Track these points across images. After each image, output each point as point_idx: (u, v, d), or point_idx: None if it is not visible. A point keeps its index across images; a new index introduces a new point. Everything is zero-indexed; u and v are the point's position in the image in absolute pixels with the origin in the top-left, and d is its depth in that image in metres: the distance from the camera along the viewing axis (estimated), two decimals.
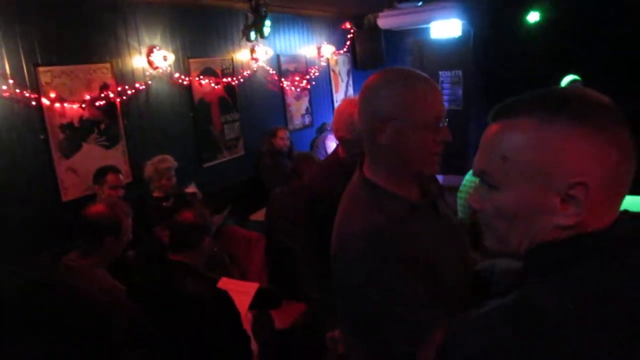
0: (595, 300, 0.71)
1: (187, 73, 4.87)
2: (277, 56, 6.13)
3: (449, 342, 0.82)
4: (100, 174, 3.70)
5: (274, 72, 6.04)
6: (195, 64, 4.97)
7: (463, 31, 7.23)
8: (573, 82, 6.26)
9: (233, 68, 5.43)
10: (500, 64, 7.28)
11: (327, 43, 7.14)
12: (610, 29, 6.67)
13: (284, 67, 6.24)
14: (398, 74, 1.39)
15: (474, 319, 0.79)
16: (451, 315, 1.24)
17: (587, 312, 0.69)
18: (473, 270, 1.50)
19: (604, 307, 0.70)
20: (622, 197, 0.81)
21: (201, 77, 5.01)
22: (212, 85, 5.14)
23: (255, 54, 5.68)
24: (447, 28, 7.26)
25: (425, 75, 1.40)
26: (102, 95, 4.11)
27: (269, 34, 5.17)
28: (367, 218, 1.33)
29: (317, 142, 6.69)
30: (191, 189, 4.51)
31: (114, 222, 2.52)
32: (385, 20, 7.34)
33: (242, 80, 5.52)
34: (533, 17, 7.14)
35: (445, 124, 1.39)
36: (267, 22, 4.66)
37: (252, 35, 4.66)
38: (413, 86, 1.35)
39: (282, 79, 6.19)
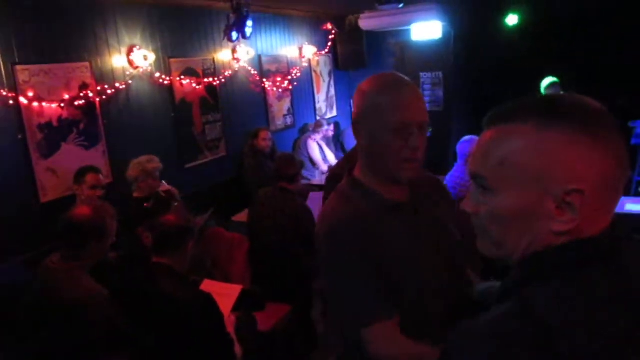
0: (597, 308, 0.72)
1: (168, 73, 4.82)
2: (259, 56, 6.11)
3: (452, 352, 0.82)
4: (80, 174, 3.64)
5: (256, 72, 6.02)
6: (176, 63, 4.93)
7: (444, 33, 7.29)
8: (552, 84, 6.36)
9: (214, 68, 5.40)
10: (480, 66, 7.37)
11: (309, 44, 7.14)
12: (588, 30, 6.80)
13: (265, 67, 6.23)
14: (380, 79, 1.46)
15: (479, 326, 0.79)
16: (414, 315, 1.39)
17: (589, 320, 0.71)
18: (463, 281, 1.53)
19: (605, 314, 0.71)
20: (616, 203, 0.82)
21: (182, 77, 4.97)
22: (194, 85, 5.10)
23: (237, 54, 5.66)
24: (427, 30, 7.31)
25: (409, 81, 1.45)
26: (82, 94, 4.05)
27: (251, 34, 5.14)
28: (339, 209, 1.47)
29: (299, 143, 6.69)
30: (164, 187, 4.46)
31: (100, 225, 2.48)
32: (367, 22, 7.37)
33: (223, 80, 5.49)
34: (512, 19, 7.24)
35: (427, 133, 1.43)
36: (249, 23, 4.65)
37: (234, 35, 4.64)
38: (387, 90, 1.40)
39: (264, 80, 6.17)
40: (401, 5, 6.38)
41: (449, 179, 4.33)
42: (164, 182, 4.54)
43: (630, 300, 0.74)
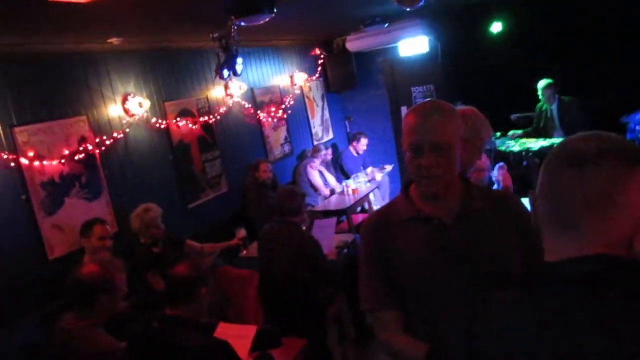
0: None
1: (164, 117, 4.89)
2: (252, 90, 6.19)
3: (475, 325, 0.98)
4: (87, 228, 3.68)
5: (250, 105, 6.09)
6: (171, 107, 4.99)
7: (431, 47, 7.37)
8: (548, 85, 6.43)
9: (209, 107, 5.47)
10: (469, 76, 7.43)
11: (299, 71, 7.23)
12: (573, 31, 6.86)
13: (259, 99, 6.30)
14: (413, 106, 1.67)
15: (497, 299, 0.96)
16: (416, 317, 1.60)
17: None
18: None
19: None
20: None
21: (178, 119, 5.04)
22: (190, 126, 5.16)
23: (230, 90, 5.73)
24: (415, 45, 7.39)
25: (436, 106, 1.59)
26: (81, 148, 4.10)
27: (242, 69, 5.21)
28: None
29: (299, 170, 6.73)
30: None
31: (108, 280, 2.51)
32: (354, 44, 7.46)
33: (219, 117, 5.56)
34: (497, 27, 7.32)
35: (435, 154, 1.53)
36: (240, 60, 4.72)
37: (225, 74, 4.71)
38: (408, 115, 1.61)
39: (259, 112, 6.24)
40: (386, 25, 6.47)
41: None
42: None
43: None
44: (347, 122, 8.55)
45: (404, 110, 8.20)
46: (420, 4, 2.97)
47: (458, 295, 1.52)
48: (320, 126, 7.76)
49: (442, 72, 7.73)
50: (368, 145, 7.93)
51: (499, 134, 6.75)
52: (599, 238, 0.88)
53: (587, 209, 0.88)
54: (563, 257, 0.90)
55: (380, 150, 8.31)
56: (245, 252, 4.67)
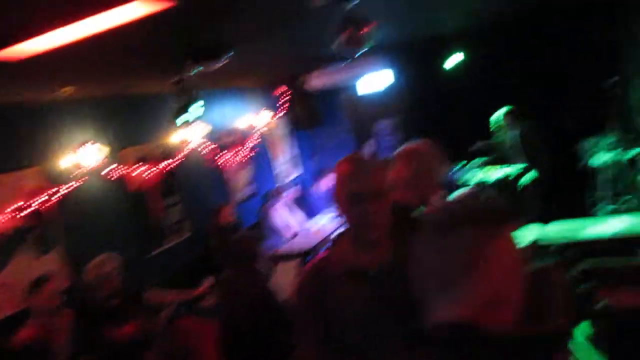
0: None
1: (121, 164, 4.80)
2: (214, 131, 6.15)
3: None
4: (34, 285, 3.52)
5: (212, 147, 6.04)
6: (129, 153, 4.92)
7: (393, 81, 7.48)
8: (508, 112, 6.54)
9: (169, 151, 5.40)
10: (431, 108, 7.55)
11: (263, 110, 7.24)
12: (529, 61, 7.06)
13: (222, 141, 6.27)
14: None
15: None
16: None
17: None
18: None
19: None
20: None
21: (136, 165, 4.95)
22: (149, 171, 5.08)
23: (191, 134, 5.68)
24: (378, 80, 7.50)
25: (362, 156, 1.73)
26: (34, 200, 3.98)
27: (203, 112, 5.19)
28: (316, 265, 1.76)
29: (262, 211, 6.66)
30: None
31: (43, 345, 2.39)
32: (317, 82, 7.53)
33: (179, 162, 5.49)
34: (457, 58, 7.47)
35: (375, 201, 1.58)
36: (200, 103, 4.69)
37: (183, 118, 4.67)
38: (341, 164, 1.66)
39: (221, 153, 6.19)
40: (346, 62, 6.56)
41: None
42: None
43: None
44: (314, 160, 8.56)
45: (369, 144, 8.25)
46: (362, 51, 2.98)
47: (401, 354, 1.48)
48: (287, 164, 7.75)
49: (405, 105, 7.83)
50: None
51: (461, 164, 6.82)
52: (466, 301, 0.87)
53: (454, 273, 0.88)
54: (437, 319, 0.91)
55: None
56: (209, 301, 4.54)
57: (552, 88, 6.81)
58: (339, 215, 1.66)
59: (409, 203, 2.15)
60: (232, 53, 3.69)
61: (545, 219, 5.06)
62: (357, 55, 6.26)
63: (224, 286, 3.84)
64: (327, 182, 7.46)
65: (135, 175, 4.94)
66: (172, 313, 3.96)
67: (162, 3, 2.53)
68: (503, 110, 6.48)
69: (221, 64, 3.88)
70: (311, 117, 7.85)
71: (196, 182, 5.78)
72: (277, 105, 7.68)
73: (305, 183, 8.04)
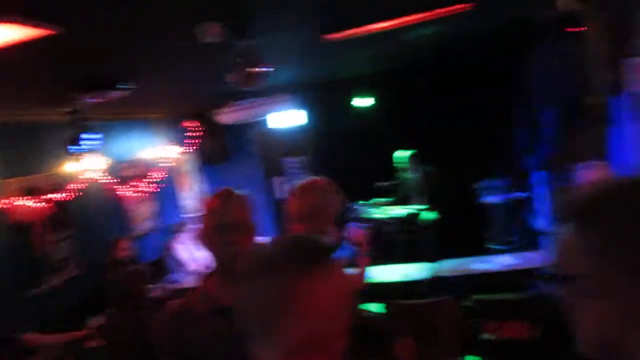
0: None
1: (2, 195, 4.47)
2: (114, 163, 5.92)
3: None
4: None
5: (111, 180, 5.80)
6: (13, 184, 4.60)
7: (302, 119, 7.60)
8: (411, 155, 6.82)
9: (62, 183, 5.12)
10: (339, 148, 7.74)
11: (170, 143, 7.08)
12: (431, 107, 7.44)
13: (122, 173, 6.04)
14: None
15: None
16: None
17: None
18: None
19: None
20: None
21: (22, 197, 4.64)
22: (36, 204, 4.77)
23: (87, 165, 5.42)
24: (287, 117, 7.59)
25: (231, 191, 1.80)
26: None
27: (100, 143, 5.00)
28: (178, 303, 1.76)
29: (166, 245, 6.45)
30: None
31: None
32: (225, 117, 7.47)
33: (73, 194, 5.21)
34: (362, 101, 7.74)
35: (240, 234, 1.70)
36: (95, 135, 4.50)
37: (76, 149, 4.47)
38: (212, 199, 1.79)
39: (121, 186, 5.95)
40: (255, 99, 6.60)
41: None
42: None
43: None
44: None
45: (277, 181, 8.29)
46: (259, 85, 3.03)
47: None
48: (193, 199, 7.58)
49: (313, 143, 7.97)
50: None
51: (362, 202, 7.01)
52: (280, 345, 0.87)
53: (262, 319, 0.87)
54: None
55: (257, 222, 8.24)
56: (94, 343, 4.27)
57: (451, 132, 7.22)
58: (206, 250, 1.65)
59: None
60: (126, 86, 3.59)
61: (442, 256, 5.30)
62: (254, 93, 6.41)
63: (107, 328, 3.64)
64: None
65: (18, 208, 4.62)
66: (52, 357, 3.68)
67: (44, 29, 2.44)
68: (407, 153, 6.77)
69: (117, 95, 3.77)
70: (220, 151, 7.79)
71: (92, 215, 5.50)
72: (185, 138, 7.56)
73: None
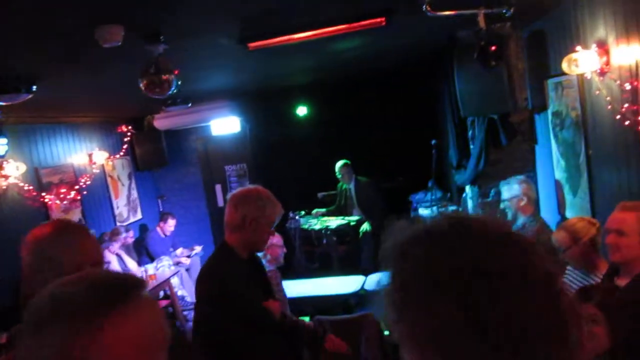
0: None
1: None
2: (35, 169, 5.63)
3: None
4: None
5: (32, 187, 5.50)
6: None
7: (241, 127, 7.50)
8: (344, 165, 6.81)
9: None
10: (277, 155, 7.67)
11: (101, 149, 6.82)
12: (367, 119, 7.49)
13: (45, 180, 5.74)
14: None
15: None
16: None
17: None
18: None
19: None
20: None
21: None
22: None
23: (4, 171, 5.14)
24: (226, 125, 7.47)
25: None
26: None
27: (5, 148, 4.74)
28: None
29: None
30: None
31: None
32: (162, 122, 7.31)
33: None
34: (301, 110, 7.72)
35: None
36: (2, 140, 4.26)
37: None
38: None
39: (44, 194, 5.66)
40: (189, 105, 6.44)
41: None
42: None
43: None
44: (159, 201, 8.22)
45: (218, 188, 8.14)
46: (169, 93, 2.91)
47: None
48: (126, 206, 7.32)
49: (253, 151, 7.87)
50: (182, 225, 7.67)
51: (303, 212, 6.95)
52: None
53: None
54: None
55: (195, 230, 8.08)
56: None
57: (386, 145, 7.28)
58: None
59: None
60: (34, 89, 3.40)
61: (377, 269, 5.27)
62: (191, 99, 6.26)
63: (10, 344, 3.40)
64: (167, 226, 7.18)
65: None
66: None
67: None
68: (340, 163, 6.75)
69: (24, 99, 3.56)
70: (156, 156, 7.56)
71: (9, 225, 5.19)
72: (120, 143, 7.30)
73: (147, 225, 7.65)
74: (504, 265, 0.65)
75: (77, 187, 6.23)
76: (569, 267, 3.15)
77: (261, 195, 2.35)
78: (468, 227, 0.70)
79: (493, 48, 3.61)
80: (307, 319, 3.97)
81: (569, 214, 4.00)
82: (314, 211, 6.97)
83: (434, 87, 6.38)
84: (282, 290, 4.15)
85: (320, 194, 7.49)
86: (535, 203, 3.69)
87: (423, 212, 6.05)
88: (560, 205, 4.25)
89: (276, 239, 4.29)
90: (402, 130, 7.23)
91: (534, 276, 0.65)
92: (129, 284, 0.84)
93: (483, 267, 0.64)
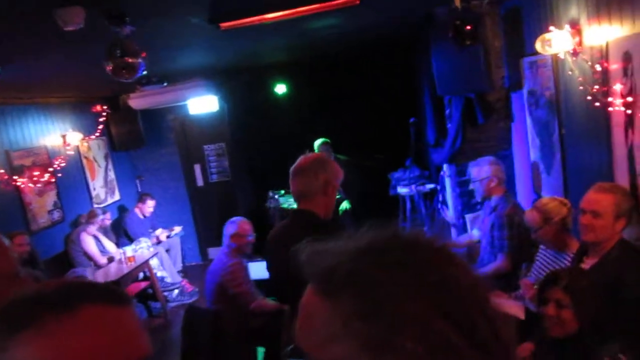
0: None
1: None
2: (6, 152, 5.51)
3: None
4: None
5: (3, 170, 5.39)
6: None
7: (220, 106, 7.39)
8: (323, 143, 6.77)
9: None
10: (256, 134, 7.61)
11: (75, 129, 6.68)
12: (346, 96, 7.43)
13: (16, 162, 5.62)
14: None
15: None
16: None
17: None
18: None
19: None
20: None
21: None
22: None
23: None
24: (204, 104, 7.35)
25: None
26: None
27: None
28: None
29: (71, 238, 6.12)
30: None
31: None
32: (137, 101, 7.17)
33: None
34: (280, 88, 7.63)
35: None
36: None
37: None
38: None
39: (16, 177, 5.55)
40: (165, 84, 6.32)
41: (212, 267, 4.19)
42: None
43: None
44: (138, 182, 8.12)
45: (197, 168, 8.06)
46: (136, 76, 2.84)
47: None
48: (103, 187, 7.22)
49: (231, 130, 7.79)
50: (161, 205, 7.60)
51: (283, 192, 6.92)
52: None
53: None
54: None
55: (174, 210, 8.03)
56: None
57: (366, 123, 7.25)
58: None
59: None
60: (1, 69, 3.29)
61: None
62: (167, 78, 6.15)
63: None
64: (146, 207, 7.11)
65: None
66: None
67: None
68: (318, 142, 6.71)
69: None
70: (133, 137, 7.44)
71: None
72: (95, 123, 7.16)
73: (125, 206, 7.57)
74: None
75: (51, 169, 6.11)
76: (541, 247, 3.19)
77: (329, 160, 2.54)
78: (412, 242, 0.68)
79: (468, 27, 3.59)
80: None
81: (544, 192, 4.04)
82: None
83: (413, 65, 6.34)
84: (249, 282, 4.09)
85: None
86: (505, 183, 3.71)
87: (401, 190, 6.07)
88: (536, 184, 4.29)
89: (242, 227, 4.22)
90: (382, 108, 7.20)
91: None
92: (58, 299, 0.74)
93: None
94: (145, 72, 2.89)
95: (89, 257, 6.08)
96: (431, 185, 5.92)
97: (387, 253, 0.67)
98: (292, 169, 2.48)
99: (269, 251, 2.49)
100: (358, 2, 2.90)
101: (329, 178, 2.37)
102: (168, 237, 7.11)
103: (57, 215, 6.20)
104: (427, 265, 0.66)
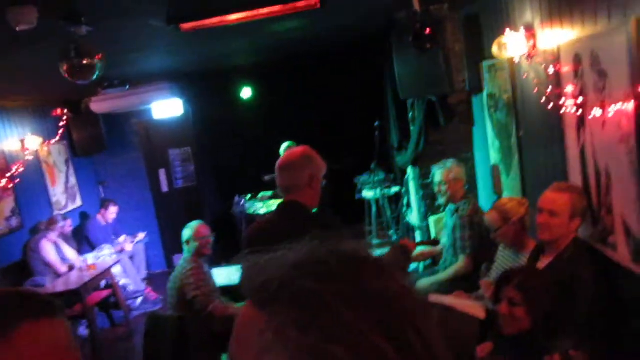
0: None
1: None
2: None
3: None
4: None
5: None
6: None
7: (185, 109, 7.30)
8: (289, 147, 6.73)
9: None
10: (221, 138, 7.54)
11: (34, 134, 6.49)
12: (311, 99, 7.44)
13: None
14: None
15: None
16: None
17: None
18: None
19: None
20: None
21: None
22: None
23: None
24: (168, 108, 7.25)
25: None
26: None
27: None
28: None
29: (30, 246, 5.94)
30: None
31: None
32: (99, 105, 7.02)
33: None
34: (246, 93, 7.59)
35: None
36: None
37: None
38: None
39: None
40: (127, 87, 6.21)
41: (173, 273, 4.12)
42: None
43: None
44: (101, 188, 7.94)
45: (162, 173, 7.94)
46: (93, 78, 2.77)
47: None
48: (64, 193, 7.04)
49: (197, 134, 7.71)
50: (125, 211, 7.45)
51: (249, 196, 6.88)
52: None
53: None
54: None
55: (139, 216, 7.87)
56: None
57: (331, 127, 7.27)
58: None
59: None
60: None
61: None
62: (129, 81, 6.05)
63: None
64: (109, 214, 6.96)
65: None
66: None
67: None
68: (284, 145, 6.68)
69: None
70: (95, 141, 7.28)
71: None
72: (55, 128, 6.98)
73: (88, 213, 7.40)
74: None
75: (8, 174, 5.93)
76: (500, 247, 3.24)
77: (314, 154, 2.52)
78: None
79: (428, 31, 3.63)
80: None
81: (505, 194, 4.11)
82: (260, 195, 6.91)
83: (378, 68, 6.39)
84: (209, 285, 4.03)
85: (266, 177, 7.39)
86: (467, 185, 3.77)
87: (367, 194, 6.09)
88: (497, 186, 4.36)
89: (198, 231, 4.15)
90: (348, 111, 7.23)
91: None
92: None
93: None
94: (102, 74, 2.83)
95: (49, 265, 5.91)
96: (396, 189, 5.96)
97: (323, 265, 0.67)
98: (278, 163, 2.50)
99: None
100: (319, 5, 2.91)
101: (314, 172, 2.42)
102: (131, 243, 6.97)
103: (15, 222, 6.01)
104: (363, 276, 0.66)
